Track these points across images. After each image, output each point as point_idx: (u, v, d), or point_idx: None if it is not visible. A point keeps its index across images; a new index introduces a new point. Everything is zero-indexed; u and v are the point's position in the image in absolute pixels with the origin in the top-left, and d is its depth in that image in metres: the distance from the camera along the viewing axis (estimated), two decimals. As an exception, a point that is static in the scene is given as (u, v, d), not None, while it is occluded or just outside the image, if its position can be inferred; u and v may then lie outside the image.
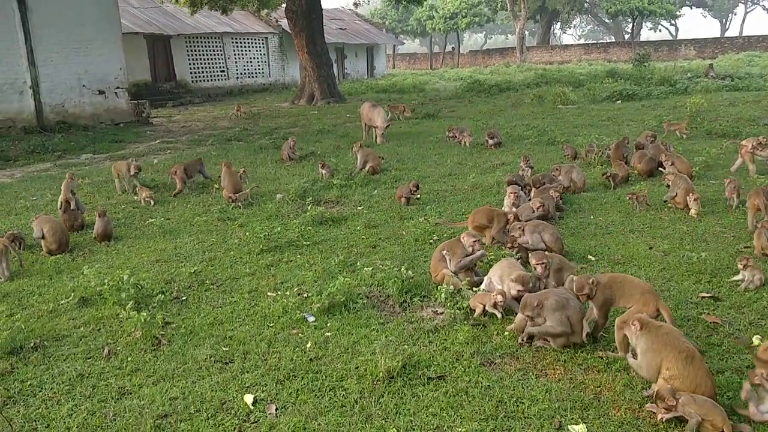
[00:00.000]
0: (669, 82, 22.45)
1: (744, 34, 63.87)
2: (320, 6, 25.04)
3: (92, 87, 19.08)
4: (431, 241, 6.91)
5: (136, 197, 9.55)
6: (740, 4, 79.43)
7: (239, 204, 8.84)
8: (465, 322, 4.84)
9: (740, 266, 5.27)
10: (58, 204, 7.88)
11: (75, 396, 4.07)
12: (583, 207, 8.13)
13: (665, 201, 7.85)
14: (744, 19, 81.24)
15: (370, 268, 5.93)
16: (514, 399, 3.83)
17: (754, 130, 12.69)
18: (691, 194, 7.47)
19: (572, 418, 3.62)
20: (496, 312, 4.89)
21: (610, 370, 4.11)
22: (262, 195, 9.53)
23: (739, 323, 4.70)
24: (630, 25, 57.68)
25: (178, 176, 9.90)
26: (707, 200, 7.90)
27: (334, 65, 30.32)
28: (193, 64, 31.23)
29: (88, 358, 4.59)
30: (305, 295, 5.52)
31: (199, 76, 31.53)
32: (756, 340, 4.35)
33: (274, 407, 3.85)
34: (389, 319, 5.05)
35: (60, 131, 17.31)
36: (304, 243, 7.06)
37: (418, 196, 8.65)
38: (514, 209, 7.16)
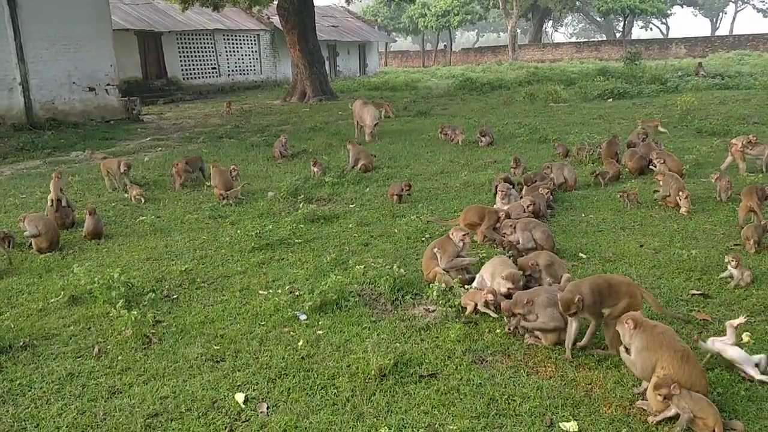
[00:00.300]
0: (660, 80, 22.58)
1: (734, 33, 64.23)
2: (312, 3, 24.97)
3: (82, 84, 18.93)
4: (423, 239, 6.92)
5: (126, 195, 9.50)
6: (730, 3, 79.87)
7: (230, 201, 8.81)
8: (456, 320, 4.85)
9: (730, 264, 5.29)
10: (48, 202, 7.82)
11: (65, 395, 4.05)
12: (574, 205, 8.15)
13: (656, 200, 7.88)
14: (734, 18, 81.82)
15: (362, 266, 5.92)
16: (506, 396, 3.84)
17: (744, 129, 12.78)
18: (681, 192, 7.51)
19: (563, 416, 3.63)
20: (488, 312, 4.89)
21: (601, 368, 4.13)
22: (254, 193, 9.51)
23: (729, 320, 4.72)
24: (621, 24, 57.85)
25: (180, 169, 9.90)
26: (697, 198, 7.95)
27: (326, 63, 30.24)
28: (185, 61, 31.07)
29: (78, 357, 4.56)
30: (297, 293, 5.51)
31: (191, 73, 31.39)
32: (746, 337, 4.38)
33: (266, 406, 3.84)
34: (381, 317, 5.05)
35: (50, 128, 17.16)
36: (296, 241, 7.05)
37: (409, 193, 8.64)
38: (504, 207, 7.17)
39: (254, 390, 4.02)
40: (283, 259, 6.55)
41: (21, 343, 4.74)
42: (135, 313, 4.74)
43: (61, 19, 18.02)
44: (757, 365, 3.94)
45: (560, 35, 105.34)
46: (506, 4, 51.42)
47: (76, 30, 18.46)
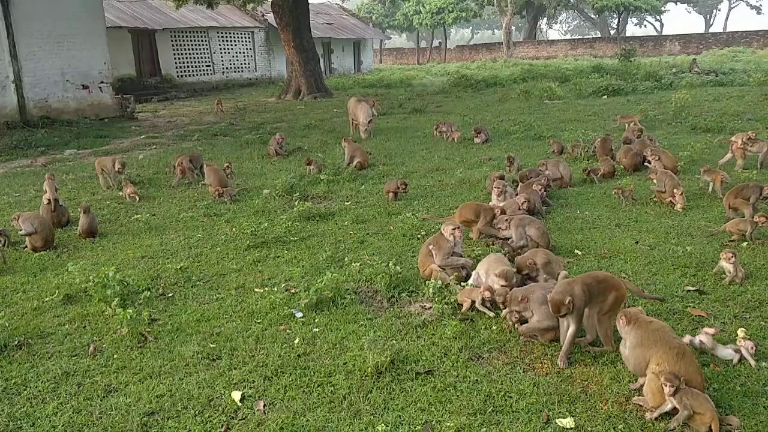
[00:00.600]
0: (654, 77, 22.64)
1: (728, 30, 64.41)
2: (307, 0, 24.91)
3: (76, 82, 18.87)
4: (419, 236, 6.91)
5: (120, 193, 9.46)
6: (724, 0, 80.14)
7: (226, 198, 8.79)
8: (453, 317, 4.85)
9: (724, 260, 5.31)
10: (45, 201, 7.77)
11: (60, 394, 4.03)
12: (569, 202, 8.17)
13: (652, 190, 7.91)
14: (728, 15, 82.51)
15: (358, 264, 5.92)
16: (502, 393, 3.84)
17: (739, 125, 12.84)
18: (676, 189, 7.54)
19: (560, 412, 3.64)
20: (486, 311, 4.89)
21: (597, 364, 4.14)
22: (249, 190, 9.49)
23: (724, 316, 4.75)
24: (616, 21, 57.90)
25: (184, 166, 9.88)
26: (692, 195, 7.98)
27: (321, 60, 30.19)
28: (179, 58, 30.95)
29: (74, 356, 4.55)
30: (293, 290, 5.49)
31: (185, 71, 31.26)
32: (741, 332, 4.39)
33: (262, 404, 3.83)
34: (377, 314, 5.05)
35: (43, 126, 17.10)
36: (292, 239, 7.04)
37: (405, 191, 8.63)
38: (500, 204, 7.17)
39: (251, 388, 4.02)
40: (278, 256, 6.54)
41: (16, 342, 4.72)
42: (130, 311, 4.72)
43: (55, 17, 17.94)
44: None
45: (555, 32, 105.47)
46: (501, 1, 51.40)
47: (70, 27, 18.39)
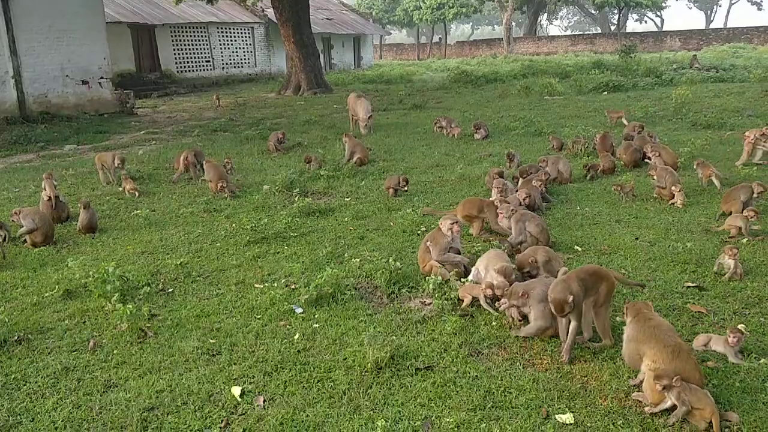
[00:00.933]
0: (655, 73, 22.61)
1: (729, 26, 64.32)
2: (307, -5, 24.87)
3: (76, 77, 18.83)
4: (419, 232, 6.91)
5: (120, 189, 9.45)
6: (725, -5, 79.95)
7: (226, 193, 8.77)
8: (453, 313, 4.85)
9: (729, 256, 5.29)
10: (45, 198, 7.76)
11: (60, 389, 4.04)
12: (569, 198, 8.16)
13: (654, 193, 7.90)
14: (728, 11, 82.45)
15: (358, 260, 5.92)
16: (502, 389, 3.85)
17: (739, 122, 12.85)
18: (675, 186, 7.54)
19: (559, 408, 3.64)
20: (490, 309, 4.88)
21: (597, 360, 4.14)
22: (249, 186, 9.48)
23: (724, 312, 4.75)
24: (616, 17, 57.80)
25: (189, 161, 9.87)
26: (692, 191, 7.97)
27: (321, 55, 30.13)
28: (178, 54, 30.91)
29: (73, 351, 4.55)
30: (293, 286, 5.50)
31: (184, 66, 31.23)
32: (740, 328, 4.39)
33: (262, 399, 3.84)
34: (377, 310, 5.05)
35: (43, 122, 17.06)
36: (292, 234, 7.04)
37: (406, 189, 8.62)
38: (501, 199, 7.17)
39: (250, 383, 4.02)
40: (278, 252, 6.54)
41: (16, 338, 4.72)
42: (130, 306, 4.72)
43: (54, 12, 17.89)
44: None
45: (555, 28, 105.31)
46: (501, -4, 51.31)
47: (69, 23, 18.34)
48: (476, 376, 4.00)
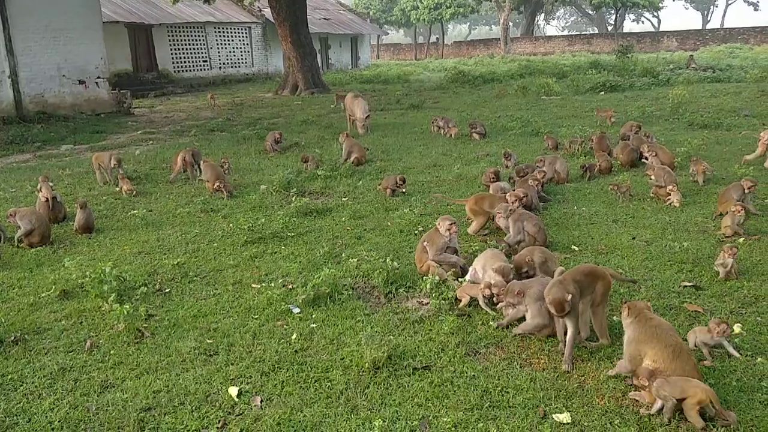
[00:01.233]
0: (652, 73, 22.66)
1: (725, 26, 64.46)
2: (304, -5, 24.87)
3: (72, 77, 18.78)
4: (416, 232, 6.91)
5: (117, 189, 9.43)
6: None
7: (224, 193, 8.76)
8: (450, 313, 4.85)
9: (729, 255, 5.30)
10: (42, 199, 7.73)
11: (57, 390, 4.03)
12: (566, 197, 8.17)
13: (652, 193, 7.91)
14: (725, 12, 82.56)
15: (356, 260, 5.92)
16: (499, 388, 3.85)
17: (735, 122, 12.88)
18: (671, 185, 7.55)
19: (557, 407, 3.65)
20: (489, 309, 4.88)
21: (594, 360, 4.15)
22: (246, 186, 9.47)
23: (721, 312, 4.76)
24: (613, 17, 57.89)
25: (187, 160, 9.85)
26: (689, 191, 7.99)
27: (318, 55, 30.11)
28: (175, 53, 30.84)
29: (70, 352, 4.54)
30: (290, 286, 5.49)
31: (181, 66, 31.16)
32: (737, 328, 4.41)
33: (259, 399, 3.83)
34: (375, 310, 5.05)
35: (40, 122, 17.02)
36: (289, 234, 7.03)
37: (404, 189, 8.61)
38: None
39: (248, 383, 4.02)
40: (275, 252, 6.53)
41: (12, 338, 4.71)
42: (127, 307, 4.71)
43: (51, 11, 17.85)
44: None
45: (552, 28, 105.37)
46: (498, -4, 51.34)
47: (66, 22, 18.30)
48: (473, 375, 4.00)
